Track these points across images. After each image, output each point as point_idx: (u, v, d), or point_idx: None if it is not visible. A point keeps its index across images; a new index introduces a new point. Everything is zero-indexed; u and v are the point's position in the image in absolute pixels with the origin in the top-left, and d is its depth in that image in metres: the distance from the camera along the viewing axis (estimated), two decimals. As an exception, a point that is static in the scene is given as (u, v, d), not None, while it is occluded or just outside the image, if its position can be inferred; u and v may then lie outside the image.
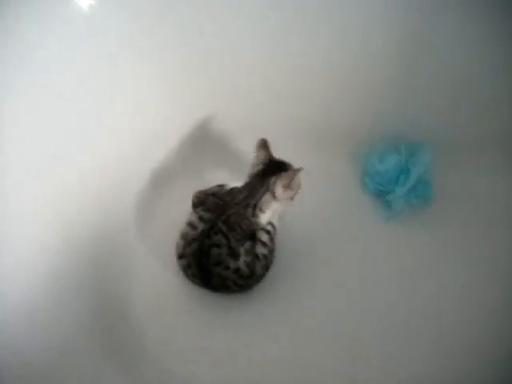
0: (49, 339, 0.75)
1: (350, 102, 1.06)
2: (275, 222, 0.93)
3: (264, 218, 0.90)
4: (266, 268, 0.90)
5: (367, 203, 1.06)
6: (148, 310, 0.91)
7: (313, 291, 0.95)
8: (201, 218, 0.88)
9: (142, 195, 1.03)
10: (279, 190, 0.86)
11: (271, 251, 0.91)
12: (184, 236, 0.89)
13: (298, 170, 0.86)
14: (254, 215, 0.88)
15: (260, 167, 0.88)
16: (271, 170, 0.87)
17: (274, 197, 0.87)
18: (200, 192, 0.93)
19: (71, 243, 0.86)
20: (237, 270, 0.86)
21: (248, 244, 0.88)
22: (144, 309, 0.91)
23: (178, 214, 0.95)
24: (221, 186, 0.92)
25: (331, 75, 1.02)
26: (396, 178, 1.03)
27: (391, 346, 0.88)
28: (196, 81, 1.04)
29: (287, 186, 0.86)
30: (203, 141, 1.10)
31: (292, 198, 0.89)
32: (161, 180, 1.06)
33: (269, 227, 0.91)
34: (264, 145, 0.89)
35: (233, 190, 0.90)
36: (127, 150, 0.99)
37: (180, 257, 0.89)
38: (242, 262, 0.86)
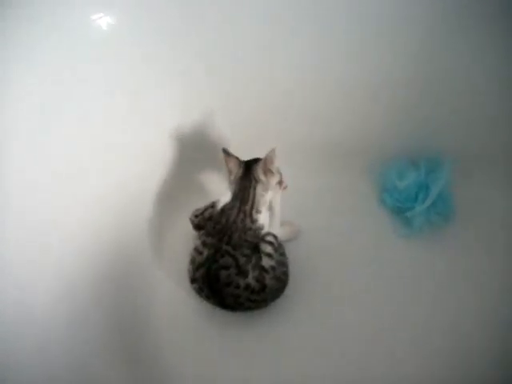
0: (66, 361, 0.75)
1: (367, 119, 1.04)
2: (277, 232, 0.93)
3: (262, 218, 0.90)
4: (279, 280, 0.89)
5: (385, 220, 1.04)
6: (165, 329, 0.91)
7: (328, 307, 0.94)
8: (204, 244, 0.88)
9: (157, 213, 1.03)
10: (263, 176, 0.89)
11: (280, 263, 0.90)
12: (192, 261, 0.89)
13: (273, 150, 0.87)
14: (253, 220, 0.89)
15: (240, 171, 0.91)
16: (250, 166, 0.91)
17: (264, 186, 0.89)
18: (196, 216, 0.94)
19: (88, 265, 0.86)
20: (247, 287, 0.85)
21: (254, 259, 0.88)
22: (161, 328, 0.91)
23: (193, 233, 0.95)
24: (214, 207, 0.92)
25: (349, 92, 1.01)
26: (415, 194, 1.01)
27: (406, 364, 0.86)
28: (209, 99, 1.04)
29: (268, 170, 0.89)
30: (214, 159, 1.09)
31: (281, 185, 0.92)
32: (175, 198, 1.06)
33: (270, 238, 0.91)
34: (228, 153, 0.91)
35: (224, 209, 0.90)
36: (143, 168, 0.99)
37: (192, 281, 0.90)
38: (250, 277, 0.86)
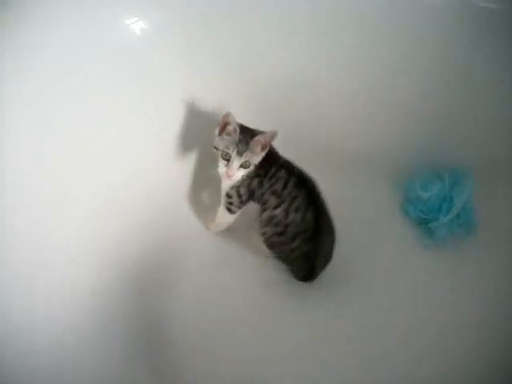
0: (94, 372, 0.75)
1: (392, 130, 1.05)
2: None
3: None
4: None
5: (408, 230, 1.04)
6: (190, 342, 0.90)
7: (350, 315, 0.94)
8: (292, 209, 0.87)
9: (180, 223, 1.03)
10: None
11: None
12: (284, 231, 0.88)
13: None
14: None
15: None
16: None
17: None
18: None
19: (116, 278, 0.87)
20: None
21: None
22: (187, 341, 0.90)
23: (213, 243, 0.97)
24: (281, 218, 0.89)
25: (373, 104, 1.03)
26: (439, 205, 1.01)
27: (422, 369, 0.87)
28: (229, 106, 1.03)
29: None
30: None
31: None
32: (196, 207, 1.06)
33: None
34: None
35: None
36: (170, 178, 1.00)
37: (293, 239, 0.88)
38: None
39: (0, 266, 0.68)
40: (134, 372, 0.79)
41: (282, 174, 0.88)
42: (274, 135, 0.83)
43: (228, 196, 0.93)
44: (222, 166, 0.86)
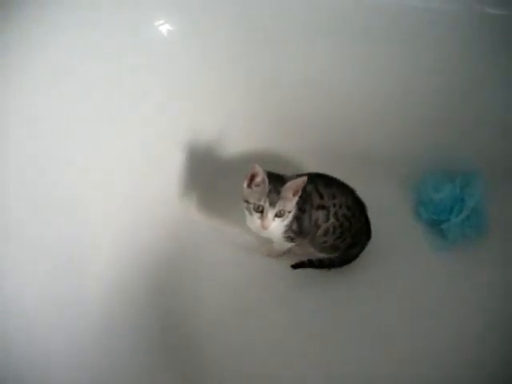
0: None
1: (404, 133, 1.08)
2: None
3: None
4: None
5: (420, 232, 1.06)
6: (211, 334, 0.92)
7: (361, 315, 0.95)
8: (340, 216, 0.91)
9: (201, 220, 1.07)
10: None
11: None
12: (341, 234, 0.92)
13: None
14: None
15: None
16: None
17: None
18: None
19: (138, 272, 0.91)
20: None
21: None
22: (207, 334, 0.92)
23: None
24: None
25: (386, 106, 1.05)
26: (450, 207, 1.03)
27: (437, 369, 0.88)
28: (243, 112, 1.08)
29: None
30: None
31: None
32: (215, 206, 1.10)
33: None
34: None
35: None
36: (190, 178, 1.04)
37: (349, 229, 0.92)
38: None
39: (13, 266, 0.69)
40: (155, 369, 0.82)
41: (308, 187, 0.88)
42: (304, 181, 0.83)
43: (288, 238, 0.93)
44: (255, 219, 0.85)
